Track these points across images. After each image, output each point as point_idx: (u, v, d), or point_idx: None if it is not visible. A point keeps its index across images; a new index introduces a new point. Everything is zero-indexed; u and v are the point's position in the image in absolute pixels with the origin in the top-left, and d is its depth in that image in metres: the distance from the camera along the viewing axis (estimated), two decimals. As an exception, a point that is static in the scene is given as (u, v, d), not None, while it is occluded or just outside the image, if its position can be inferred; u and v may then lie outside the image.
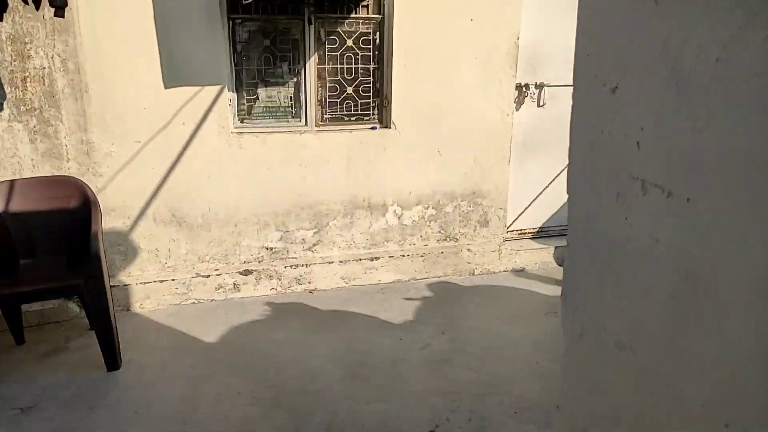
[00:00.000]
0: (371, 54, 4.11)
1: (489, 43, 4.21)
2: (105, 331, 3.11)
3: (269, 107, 4.01)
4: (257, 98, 3.97)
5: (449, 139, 4.31)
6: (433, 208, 4.44)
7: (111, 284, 3.67)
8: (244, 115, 3.97)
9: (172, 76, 3.67)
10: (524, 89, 4.49)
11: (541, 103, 4.56)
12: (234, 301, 4.04)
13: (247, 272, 4.04)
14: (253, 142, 3.91)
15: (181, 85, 3.70)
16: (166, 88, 3.68)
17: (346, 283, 4.29)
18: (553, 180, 4.86)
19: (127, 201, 3.79)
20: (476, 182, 4.48)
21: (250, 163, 3.93)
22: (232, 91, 3.90)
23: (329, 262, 4.22)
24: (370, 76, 4.15)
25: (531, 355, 3.43)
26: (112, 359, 3.15)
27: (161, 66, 3.64)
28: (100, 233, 3.18)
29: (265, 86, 3.96)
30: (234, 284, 4.02)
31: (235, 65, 3.87)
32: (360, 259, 4.29)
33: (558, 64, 4.58)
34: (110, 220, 3.78)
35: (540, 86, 4.52)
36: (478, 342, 3.59)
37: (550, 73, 4.57)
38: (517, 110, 4.50)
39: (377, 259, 4.32)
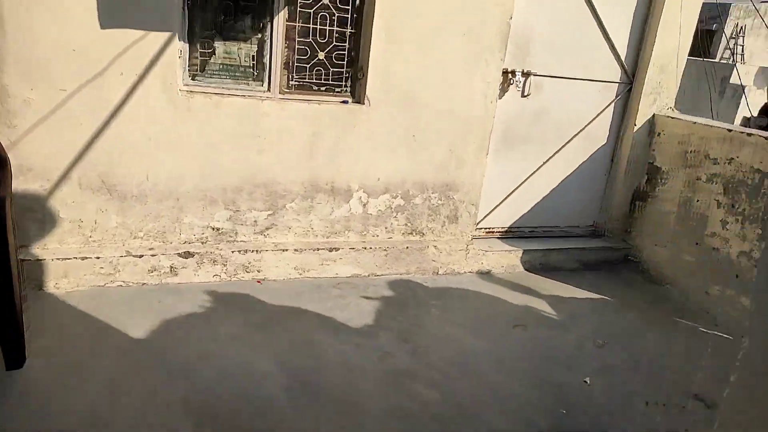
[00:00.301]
0: (349, 16, 3.61)
1: (480, 19, 3.80)
2: (7, 320, 2.54)
3: (227, 65, 3.46)
4: (213, 53, 3.41)
5: (426, 122, 3.90)
6: (401, 198, 4.04)
7: (21, 258, 3.08)
8: (196, 71, 3.40)
9: (111, 15, 3.06)
10: (510, 76, 4.11)
11: (525, 93, 4.20)
12: (169, 287, 3.51)
13: (187, 254, 3.51)
14: (204, 104, 3.36)
15: (122, 27, 3.10)
16: (102, 28, 3.07)
17: (300, 275, 3.84)
18: (528, 177, 4.56)
19: (47, 160, 3.18)
20: (450, 173, 4.11)
21: (200, 128, 3.39)
22: (184, 41, 3.32)
23: (282, 250, 3.75)
24: (345, 42, 3.65)
25: (498, 375, 3.12)
26: (15, 354, 2.60)
27: (98, 0, 3.02)
28: (10, 198, 2.58)
29: (224, 40, 3.40)
30: (171, 267, 3.49)
31: (189, 11, 3.28)
32: (317, 249, 3.84)
33: (547, 51, 4.23)
34: (25, 181, 3.16)
35: (527, 74, 4.16)
36: (442, 354, 3.25)
37: (536, 61, 4.21)
38: (499, 98, 4.13)
39: (336, 250, 3.89)
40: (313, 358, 3.02)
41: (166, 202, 3.43)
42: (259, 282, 3.70)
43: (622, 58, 4.48)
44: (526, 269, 4.53)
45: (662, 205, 4.57)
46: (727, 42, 14.92)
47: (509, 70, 4.09)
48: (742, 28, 14.36)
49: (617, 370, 3.33)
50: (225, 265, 3.61)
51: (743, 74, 12.08)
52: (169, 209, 3.46)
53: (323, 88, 3.69)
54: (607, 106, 4.58)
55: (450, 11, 3.70)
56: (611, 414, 2.93)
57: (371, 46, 3.58)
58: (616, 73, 4.53)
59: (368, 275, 4.03)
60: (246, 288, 3.61)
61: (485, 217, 4.54)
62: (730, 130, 4.06)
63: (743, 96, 10.20)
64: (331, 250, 3.88)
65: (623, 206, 4.84)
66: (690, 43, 4.57)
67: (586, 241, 4.84)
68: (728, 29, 15.01)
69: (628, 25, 4.43)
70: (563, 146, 4.56)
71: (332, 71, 3.67)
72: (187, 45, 3.33)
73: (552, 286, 4.32)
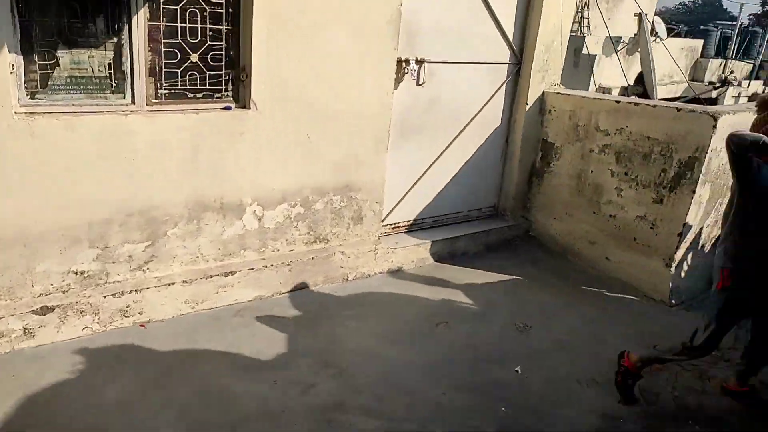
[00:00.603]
0: (223, 11, 3.10)
1: (369, 7, 3.47)
2: None
3: (76, 78, 2.82)
4: (57, 64, 2.75)
5: (321, 122, 3.54)
6: (301, 205, 3.66)
7: None
8: (36, 87, 2.74)
9: None
10: (404, 65, 3.86)
11: (420, 82, 3.98)
12: (26, 354, 2.83)
13: (45, 309, 2.87)
14: (53, 128, 2.72)
15: None
16: None
17: (193, 308, 3.35)
18: (429, 167, 4.37)
19: None
20: (350, 173, 3.79)
21: (50, 156, 2.74)
22: (17, 53, 2.64)
23: (168, 284, 3.23)
24: (222, 41, 3.15)
25: (433, 386, 2.92)
26: None
27: None
28: None
29: (70, 48, 2.76)
30: (25, 329, 2.83)
31: (20, 16, 2.62)
32: (210, 276, 3.37)
33: (437, 37, 4.03)
34: None
35: (420, 62, 3.93)
36: (369, 373, 2.99)
37: (428, 48, 3.99)
38: (395, 88, 3.86)
39: (232, 273, 3.44)
40: (227, 410, 2.61)
41: (12, 250, 2.76)
42: (143, 326, 3.16)
43: (510, 39, 4.41)
44: (435, 260, 4.38)
45: (558, 179, 4.62)
46: (575, 16, 15.89)
47: (403, 59, 3.83)
48: (586, 2, 15.36)
49: (544, 353, 3.29)
50: (97, 314, 3.02)
51: (593, 44, 12.83)
52: (17, 258, 2.78)
53: (200, 95, 3.17)
54: (499, 88, 4.51)
55: (337, 3, 3.34)
56: (550, 401, 2.87)
57: (252, 45, 3.12)
58: (505, 55, 4.46)
59: (272, 295, 3.64)
60: (129, 336, 3.06)
61: (390, 212, 4.30)
62: (618, 102, 4.15)
63: (595, 65, 10.89)
64: (226, 274, 3.42)
65: (521, 184, 4.84)
66: (571, 21, 4.61)
67: (488, 223, 4.80)
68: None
69: (514, 6, 4.35)
70: (460, 132, 4.42)
71: (209, 75, 3.15)
72: (21, 57, 2.66)
73: (463, 274, 4.21)
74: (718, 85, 9.61)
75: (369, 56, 3.57)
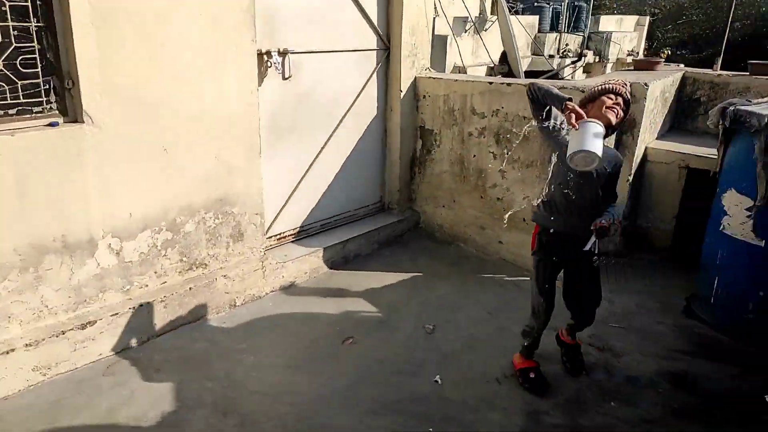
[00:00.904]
0: (29, 3, 2.46)
1: (218, -7, 3.01)
2: None
3: None
4: None
5: (178, 130, 3.01)
6: (167, 230, 3.12)
7: None
8: None
9: None
10: (266, 58, 3.43)
11: (286, 76, 3.58)
12: None
13: None
14: None
15: None
16: None
17: (45, 376, 2.71)
18: (309, 168, 4.01)
19: None
20: (222, 185, 3.32)
21: None
22: None
23: (7, 351, 2.57)
24: (33, 42, 2.50)
25: (349, 412, 2.62)
26: None
27: None
28: None
29: None
30: None
31: None
32: (62, 332, 2.74)
33: (298, 25, 3.65)
34: None
35: (284, 53, 3.52)
36: (276, 414, 2.60)
37: (289, 38, 3.60)
38: (259, 85, 3.43)
39: (92, 323, 2.84)
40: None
41: None
42: (-19, 411, 2.49)
43: (375, 23, 4.13)
44: (329, 267, 4.05)
45: (440, 166, 4.49)
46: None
47: (264, 51, 3.40)
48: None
49: (456, 354, 3.10)
50: None
51: (443, 25, 13.09)
52: None
53: (13, 111, 2.49)
54: (370, 77, 4.23)
55: (179, -12, 2.83)
56: (472, 408, 2.67)
57: (75, 43, 2.51)
58: (372, 41, 4.18)
59: (147, 340, 3.08)
60: (-39, 430, 2.39)
61: (273, 222, 3.88)
62: (490, 83, 4.06)
63: (453, 44, 11.09)
64: (84, 326, 2.82)
65: (404, 175, 4.64)
66: (434, 2, 4.45)
67: (377, 220, 4.55)
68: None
69: (375, -11, 4.10)
70: (337, 126, 4.10)
71: (22, 85, 2.48)
72: None
73: (360, 279, 3.94)
74: (575, 59, 10.29)
75: (226, 50, 3.11)
